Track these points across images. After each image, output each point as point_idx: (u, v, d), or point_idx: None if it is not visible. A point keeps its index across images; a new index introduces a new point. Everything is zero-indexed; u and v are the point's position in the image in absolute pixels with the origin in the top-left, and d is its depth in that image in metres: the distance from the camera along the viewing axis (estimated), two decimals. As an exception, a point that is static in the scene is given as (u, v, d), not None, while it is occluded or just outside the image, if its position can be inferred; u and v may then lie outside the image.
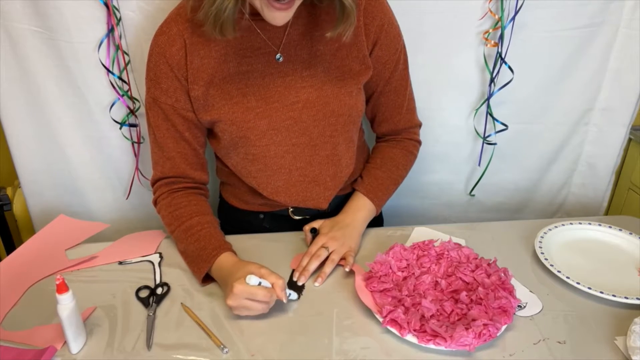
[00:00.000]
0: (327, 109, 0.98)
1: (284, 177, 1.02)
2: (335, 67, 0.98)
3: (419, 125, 1.16)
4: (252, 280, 0.82)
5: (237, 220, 1.16)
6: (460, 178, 1.40)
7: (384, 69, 1.03)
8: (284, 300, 0.85)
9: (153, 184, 1.06)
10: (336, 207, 1.09)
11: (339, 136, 1.02)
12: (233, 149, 1.01)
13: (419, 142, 1.17)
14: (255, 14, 0.88)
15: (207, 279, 0.94)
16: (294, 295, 0.89)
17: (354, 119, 1.03)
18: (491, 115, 1.26)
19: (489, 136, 1.30)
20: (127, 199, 1.32)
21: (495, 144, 1.30)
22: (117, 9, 1.08)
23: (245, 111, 0.96)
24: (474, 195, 1.41)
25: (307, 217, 1.11)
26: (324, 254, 0.97)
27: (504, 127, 1.27)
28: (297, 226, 1.09)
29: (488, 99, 1.24)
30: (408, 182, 1.18)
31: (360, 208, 1.07)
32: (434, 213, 1.45)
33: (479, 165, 1.35)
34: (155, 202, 1.06)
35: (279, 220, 1.13)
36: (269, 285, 0.84)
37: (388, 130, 1.14)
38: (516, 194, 1.43)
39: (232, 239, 1.06)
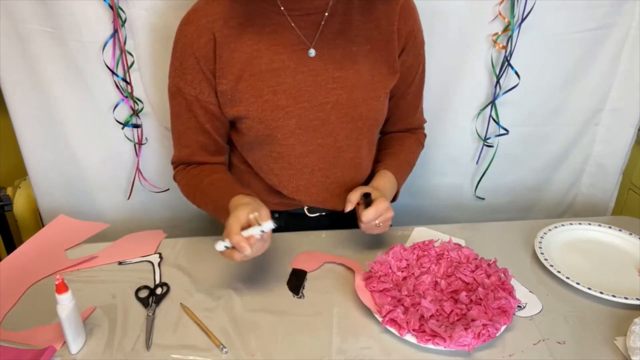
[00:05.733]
0: (356, 112, 0.98)
1: (306, 176, 1.02)
2: (366, 69, 0.97)
3: (425, 122, 1.17)
4: (219, 246, 0.81)
5: None
6: (468, 180, 1.39)
7: (409, 74, 1.03)
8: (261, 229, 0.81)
9: (173, 163, 1.07)
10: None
11: (364, 139, 1.02)
12: (257, 145, 1.00)
13: (426, 136, 1.17)
14: (291, 9, 0.89)
15: None
16: (269, 225, 0.83)
17: (379, 122, 1.03)
18: (494, 119, 1.26)
19: (488, 139, 1.29)
20: (128, 199, 1.32)
21: (491, 146, 1.30)
22: (122, 9, 1.08)
23: (275, 110, 0.94)
24: (483, 199, 1.40)
25: (323, 213, 1.10)
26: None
27: (504, 132, 1.27)
28: (312, 223, 1.09)
29: (493, 102, 1.23)
30: (417, 183, 1.18)
31: (392, 189, 1.04)
32: (443, 215, 1.44)
33: (477, 163, 1.34)
34: (175, 178, 1.07)
35: (294, 219, 1.11)
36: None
37: (400, 129, 1.13)
38: (525, 195, 1.42)
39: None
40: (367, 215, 0.91)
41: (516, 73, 1.19)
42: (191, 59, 0.92)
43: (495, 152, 1.32)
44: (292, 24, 0.92)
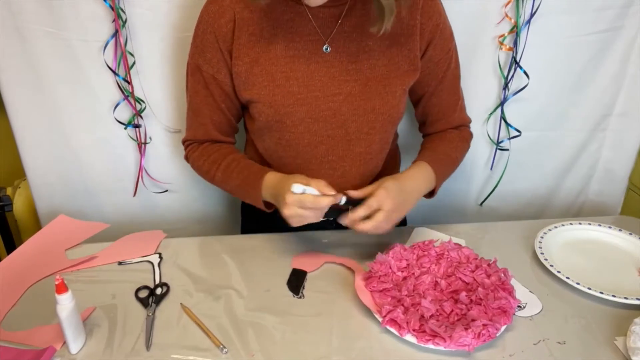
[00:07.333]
0: (368, 105, 0.97)
1: (314, 167, 1.02)
2: (382, 64, 0.97)
3: (470, 121, 1.14)
4: (296, 188, 0.85)
5: (260, 215, 1.14)
6: (475, 186, 1.37)
7: (437, 69, 1.02)
8: (335, 201, 0.88)
9: (184, 142, 1.09)
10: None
11: (376, 134, 1.01)
12: (267, 131, 1.01)
13: (472, 135, 1.14)
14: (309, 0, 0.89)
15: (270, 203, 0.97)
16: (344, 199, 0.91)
17: (394, 119, 1.02)
18: (505, 120, 1.24)
19: (501, 142, 1.27)
20: (134, 196, 1.31)
21: (507, 149, 1.28)
22: (122, 10, 1.07)
23: (286, 95, 0.95)
24: (481, 205, 1.38)
25: (331, 218, 1.10)
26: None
27: (517, 134, 1.25)
28: (320, 226, 1.07)
29: (502, 104, 1.22)
30: None
31: (427, 181, 1.00)
32: (447, 221, 1.41)
33: (491, 169, 1.32)
34: (186, 158, 1.09)
35: None
36: (315, 192, 0.87)
37: (440, 130, 1.10)
38: (533, 201, 1.40)
39: (232, 238, 1.07)
40: (353, 216, 0.90)
41: (525, 73, 1.17)
42: (211, 37, 0.94)
43: (508, 158, 1.29)
44: (310, 16, 0.93)
